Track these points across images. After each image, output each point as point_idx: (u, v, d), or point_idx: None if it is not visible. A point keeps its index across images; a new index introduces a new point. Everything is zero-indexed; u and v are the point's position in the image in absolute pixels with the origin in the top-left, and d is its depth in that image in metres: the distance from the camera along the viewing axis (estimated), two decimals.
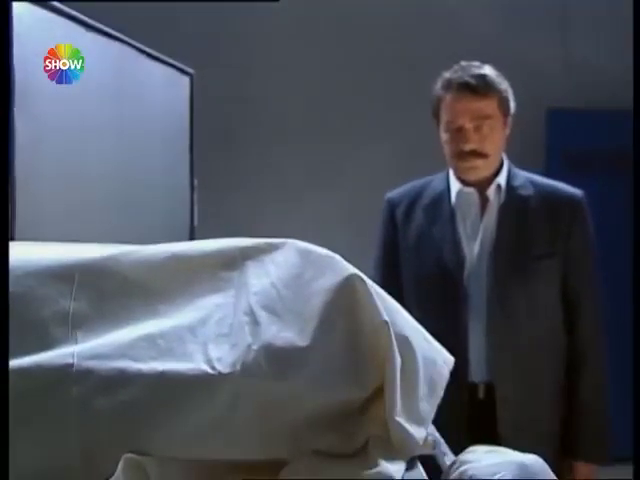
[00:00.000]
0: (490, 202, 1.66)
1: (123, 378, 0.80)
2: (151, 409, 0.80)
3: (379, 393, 0.85)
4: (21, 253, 0.96)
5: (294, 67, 3.77)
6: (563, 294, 1.66)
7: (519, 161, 4.58)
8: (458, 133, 1.61)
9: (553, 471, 1.65)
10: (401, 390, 0.85)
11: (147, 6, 3.33)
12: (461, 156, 1.62)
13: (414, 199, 1.74)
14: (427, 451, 0.89)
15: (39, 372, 0.81)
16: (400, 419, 0.84)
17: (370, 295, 0.87)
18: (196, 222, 2.26)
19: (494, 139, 1.62)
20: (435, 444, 0.91)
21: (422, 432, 0.88)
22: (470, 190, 1.67)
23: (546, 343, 1.64)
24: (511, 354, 1.61)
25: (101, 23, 1.65)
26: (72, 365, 0.81)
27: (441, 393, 0.93)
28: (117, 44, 1.74)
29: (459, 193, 1.68)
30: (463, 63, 1.67)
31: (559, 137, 3.84)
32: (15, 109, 1.29)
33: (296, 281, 0.89)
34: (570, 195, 1.70)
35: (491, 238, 1.64)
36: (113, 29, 1.72)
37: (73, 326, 0.85)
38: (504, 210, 1.65)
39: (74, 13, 1.54)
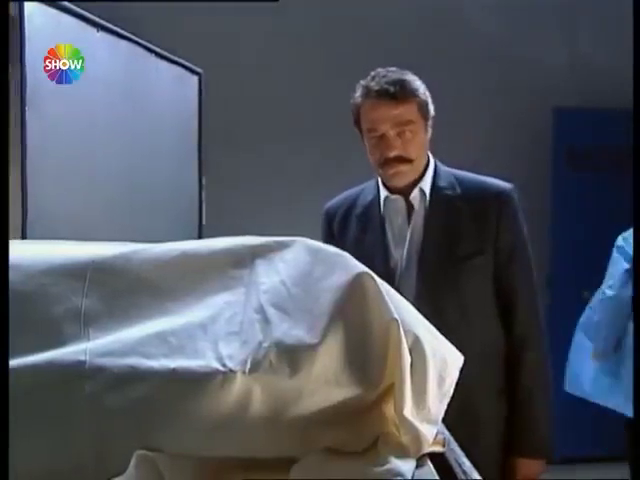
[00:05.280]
0: (415, 207, 1.65)
1: (135, 375, 0.80)
2: (162, 406, 0.80)
3: (389, 391, 0.86)
4: (33, 251, 0.97)
5: (300, 66, 3.77)
6: (496, 292, 1.64)
7: (526, 158, 4.54)
8: (381, 140, 1.60)
9: (499, 470, 1.64)
10: (411, 388, 0.85)
11: (155, 6, 3.34)
12: (386, 163, 1.60)
13: (349, 209, 1.74)
14: (437, 449, 0.90)
15: (52, 369, 0.81)
16: (410, 417, 0.84)
17: (380, 293, 0.87)
18: (204, 220, 2.26)
19: (417, 143, 1.61)
20: (445, 442, 0.92)
21: (432, 430, 0.88)
22: (396, 197, 1.66)
23: (482, 343, 1.60)
24: None
25: (111, 23, 1.66)
26: (84, 362, 0.81)
27: (451, 391, 0.93)
28: (127, 43, 1.74)
29: (386, 200, 1.68)
30: (380, 70, 1.63)
31: (565, 135, 3.84)
32: (27, 108, 1.30)
33: (306, 279, 0.90)
34: (497, 190, 1.66)
35: (418, 243, 1.63)
36: (122, 29, 1.73)
37: (85, 323, 0.86)
38: (430, 213, 1.64)
39: (84, 13, 1.55)
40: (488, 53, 3.97)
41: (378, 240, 1.65)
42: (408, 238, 1.64)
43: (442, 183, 1.66)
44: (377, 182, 1.71)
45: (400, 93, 1.57)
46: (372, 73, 1.62)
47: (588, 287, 3.87)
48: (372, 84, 1.59)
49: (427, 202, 1.64)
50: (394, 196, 1.66)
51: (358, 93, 1.62)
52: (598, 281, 3.83)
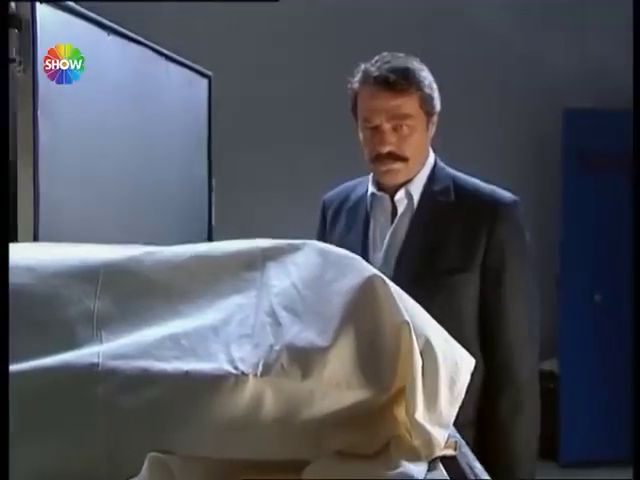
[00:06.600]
0: (399, 209, 1.50)
1: (147, 377, 0.81)
2: (175, 408, 0.81)
3: (400, 394, 0.86)
4: (45, 253, 0.98)
5: (307, 66, 3.77)
6: (480, 316, 1.47)
7: (536, 160, 4.52)
8: (375, 133, 1.44)
9: None
10: (422, 391, 0.85)
11: (157, 5, 3.35)
12: (378, 158, 1.45)
13: (342, 202, 1.61)
14: (449, 453, 0.89)
15: (65, 372, 0.81)
16: (422, 420, 0.84)
17: (391, 296, 0.87)
18: (214, 222, 2.27)
19: (414, 141, 1.45)
20: (457, 446, 0.91)
21: (444, 433, 0.88)
22: (381, 194, 1.52)
23: None
24: None
25: (121, 26, 1.67)
26: (97, 365, 0.81)
27: (462, 394, 0.93)
28: (137, 47, 1.75)
29: (372, 197, 1.53)
30: (385, 54, 1.47)
31: (575, 136, 3.83)
32: (39, 111, 1.31)
33: (317, 282, 0.90)
34: (495, 202, 1.48)
35: (397, 248, 1.48)
36: (129, 30, 1.74)
37: (98, 326, 0.86)
38: (416, 218, 1.48)
39: (95, 16, 1.56)
40: (498, 54, 3.96)
41: (358, 239, 1.52)
42: (387, 241, 1.50)
43: (436, 187, 1.50)
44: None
45: (400, 83, 1.41)
46: (376, 57, 1.48)
47: (599, 290, 3.87)
48: (372, 69, 1.45)
49: (415, 205, 1.50)
50: (380, 193, 1.52)
51: (357, 77, 1.48)
52: (610, 284, 3.82)
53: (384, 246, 1.50)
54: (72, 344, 0.84)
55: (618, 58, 3.86)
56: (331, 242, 1.50)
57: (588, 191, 3.87)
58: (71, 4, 1.46)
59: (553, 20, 4.00)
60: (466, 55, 3.91)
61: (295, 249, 0.95)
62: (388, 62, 1.45)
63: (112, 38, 1.63)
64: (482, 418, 1.45)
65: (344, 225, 1.57)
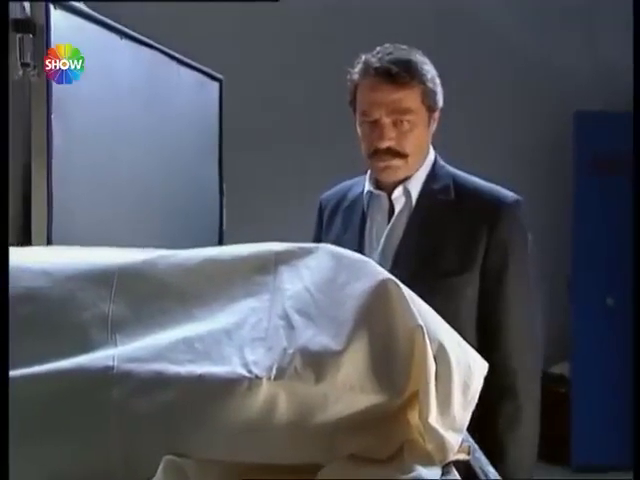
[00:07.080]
0: (396, 208, 1.45)
1: (162, 381, 0.81)
2: (189, 411, 0.81)
3: (414, 398, 0.86)
4: (59, 257, 0.98)
5: (316, 68, 3.77)
6: (479, 321, 1.41)
7: (548, 163, 4.49)
8: (374, 127, 1.38)
9: None
10: (436, 395, 0.85)
11: (160, 5, 3.35)
12: (376, 154, 1.40)
13: (339, 201, 1.56)
14: (462, 457, 0.89)
15: (80, 375, 0.82)
16: (435, 424, 0.84)
17: (404, 299, 0.87)
18: (225, 226, 2.27)
19: (415, 137, 1.39)
20: (470, 450, 0.91)
21: (457, 438, 0.88)
22: (379, 192, 1.46)
23: None
24: None
25: (132, 29, 1.68)
26: (112, 368, 0.82)
27: (475, 398, 0.93)
28: (149, 50, 1.76)
29: (369, 196, 1.48)
30: (387, 45, 1.41)
31: (587, 139, 3.81)
32: (52, 116, 1.32)
33: (330, 285, 0.90)
34: (496, 201, 1.42)
35: (393, 249, 1.43)
36: (144, 36, 1.75)
37: (112, 329, 0.87)
38: (414, 217, 1.43)
39: (108, 21, 1.57)
40: (508, 56, 3.95)
41: (355, 239, 1.47)
42: (383, 240, 1.45)
43: (436, 185, 1.45)
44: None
45: (402, 75, 1.36)
46: (378, 48, 1.42)
47: (612, 293, 3.84)
48: (373, 60, 1.39)
49: (413, 204, 1.45)
50: (377, 191, 1.47)
51: (357, 68, 1.42)
52: (623, 287, 3.80)
53: (380, 246, 1.46)
54: (87, 347, 0.85)
55: (629, 60, 3.85)
56: (327, 242, 1.44)
57: (599, 193, 3.85)
58: (84, 9, 1.47)
59: (564, 22, 3.99)
60: (477, 57, 3.90)
61: (308, 252, 0.96)
62: (390, 53, 1.39)
63: (125, 42, 1.64)
64: (481, 423, 1.43)
65: (340, 224, 1.53)
